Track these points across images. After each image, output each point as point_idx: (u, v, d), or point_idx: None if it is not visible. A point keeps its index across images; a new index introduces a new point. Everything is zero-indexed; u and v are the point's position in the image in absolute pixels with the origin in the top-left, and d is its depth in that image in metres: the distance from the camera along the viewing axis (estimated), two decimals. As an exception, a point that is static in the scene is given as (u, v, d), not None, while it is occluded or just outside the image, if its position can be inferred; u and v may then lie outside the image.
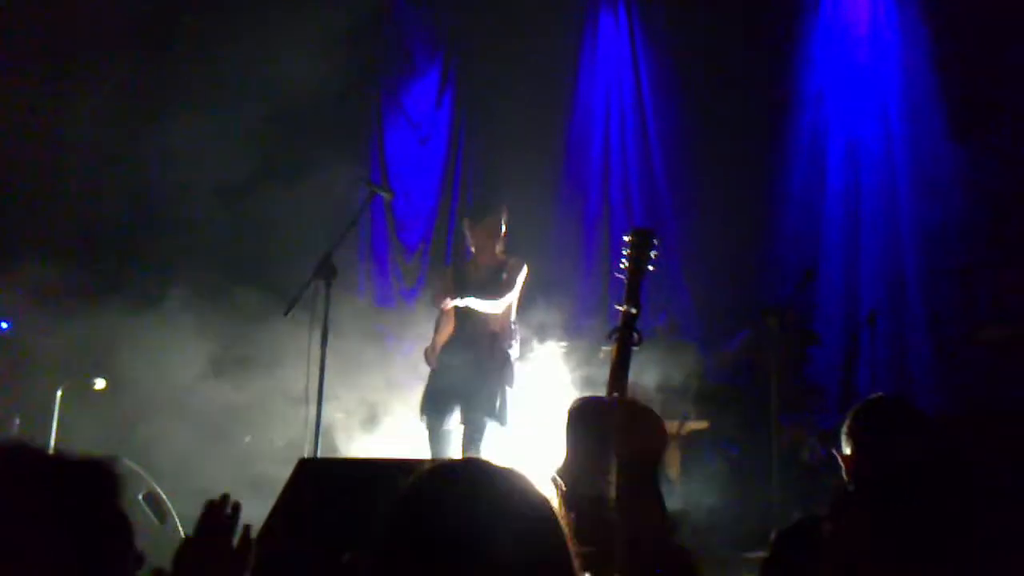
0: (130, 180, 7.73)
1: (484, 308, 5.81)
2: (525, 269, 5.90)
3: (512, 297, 5.86)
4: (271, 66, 8.00)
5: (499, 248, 5.92)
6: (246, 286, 6.70)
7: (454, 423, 5.80)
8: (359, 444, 6.59)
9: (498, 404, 5.72)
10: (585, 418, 4.29)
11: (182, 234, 7.42)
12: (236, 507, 1.76)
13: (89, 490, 1.51)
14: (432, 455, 5.72)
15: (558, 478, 3.88)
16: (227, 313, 6.68)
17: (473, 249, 6.01)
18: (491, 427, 5.68)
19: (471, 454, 5.62)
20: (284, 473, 3.84)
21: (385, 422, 6.73)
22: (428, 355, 5.94)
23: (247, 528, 1.76)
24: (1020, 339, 5.92)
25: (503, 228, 5.91)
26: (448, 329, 5.92)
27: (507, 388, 5.81)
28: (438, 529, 1.25)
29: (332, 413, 6.27)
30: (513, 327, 5.93)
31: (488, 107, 8.63)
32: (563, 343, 6.84)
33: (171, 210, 7.67)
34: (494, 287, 5.83)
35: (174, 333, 6.59)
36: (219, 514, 1.74)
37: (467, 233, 6.06)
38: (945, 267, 7.27)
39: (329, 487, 3.75)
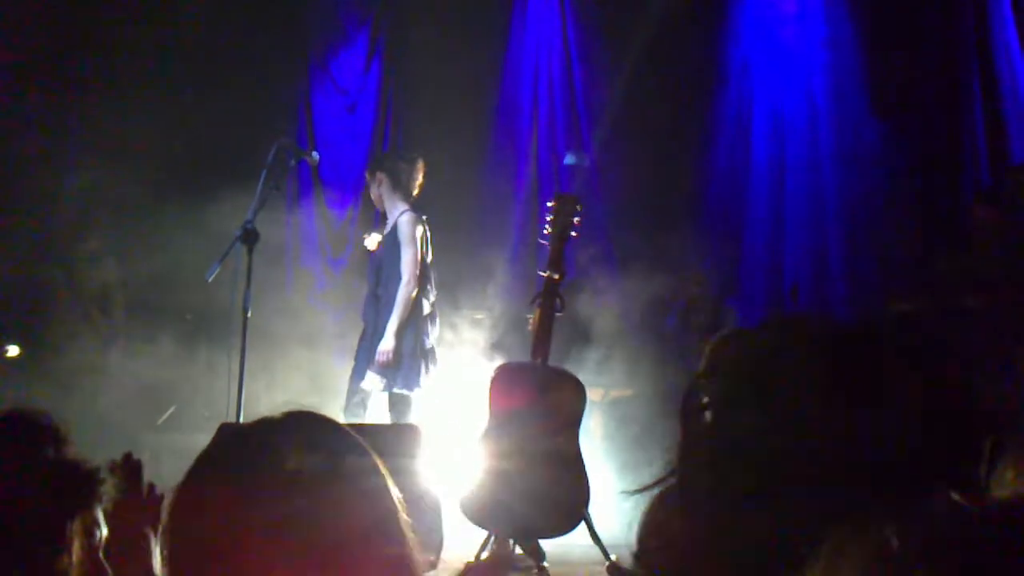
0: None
1: (405, 283, 5.69)
2: (406, 223, 5.79)
3: (405, 255, 5.71)
4: (198, 31, 7.86)
5: (381, 201, 6.01)
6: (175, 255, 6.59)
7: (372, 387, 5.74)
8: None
9: (390, 362, 5.55)
10: (507, 383, 4.32)
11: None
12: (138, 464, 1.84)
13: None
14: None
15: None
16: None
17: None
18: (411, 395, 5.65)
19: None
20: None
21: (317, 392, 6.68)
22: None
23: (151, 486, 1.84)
24: (922, 312, 6.10)
25: (377, 182, 6.02)
26: None
27: (412, 347, 5.66)
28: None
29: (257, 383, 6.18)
30: (428, 285, 5.86)
31: (417, 75, 8.52)
32: (482, 313, 6.85)
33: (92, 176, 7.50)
34: (391, 249, 5.79)
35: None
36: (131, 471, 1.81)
37: None
38: (866, 240, 7.43)
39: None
